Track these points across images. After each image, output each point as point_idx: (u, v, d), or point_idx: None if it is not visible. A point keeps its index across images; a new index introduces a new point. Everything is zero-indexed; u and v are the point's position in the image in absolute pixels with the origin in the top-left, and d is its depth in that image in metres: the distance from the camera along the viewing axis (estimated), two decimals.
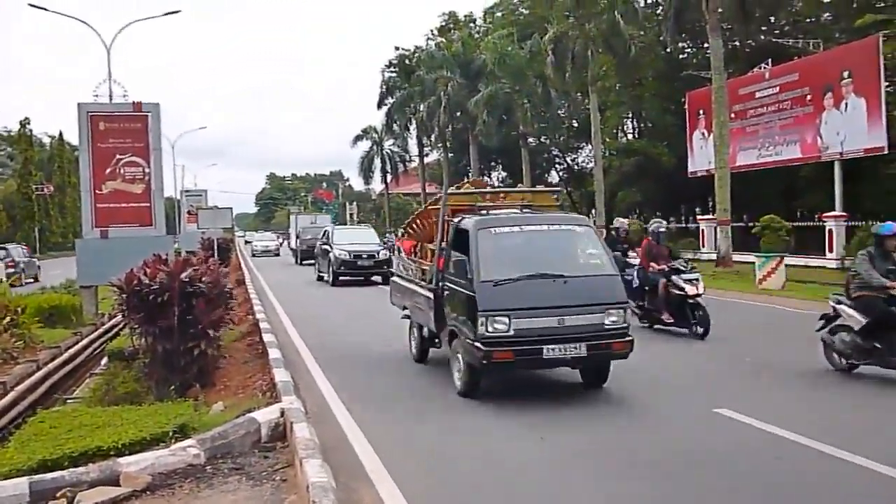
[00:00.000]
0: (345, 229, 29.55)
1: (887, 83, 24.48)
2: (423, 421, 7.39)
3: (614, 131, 45.39)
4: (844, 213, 24.89)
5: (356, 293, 20.95)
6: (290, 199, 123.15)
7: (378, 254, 23.18)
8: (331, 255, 23.26)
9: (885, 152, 23.59)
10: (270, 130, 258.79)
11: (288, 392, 7.27)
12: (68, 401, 10.39)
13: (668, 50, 38.63)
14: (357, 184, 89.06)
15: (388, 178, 63.18)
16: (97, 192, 17.77)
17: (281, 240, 57.58)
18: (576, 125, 46.99)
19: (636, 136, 45.69)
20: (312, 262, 32.80)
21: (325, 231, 26.59)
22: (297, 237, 38.55)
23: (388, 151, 61.94)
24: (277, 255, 48.07)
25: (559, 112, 44.05)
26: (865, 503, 5.21)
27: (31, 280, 30.27)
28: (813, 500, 5.24)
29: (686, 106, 34.24)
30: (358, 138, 61.08)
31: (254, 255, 48.13)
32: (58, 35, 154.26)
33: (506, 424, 7.11)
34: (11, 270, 29.41)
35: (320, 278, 25.20)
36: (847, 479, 5.52)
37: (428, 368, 9.86)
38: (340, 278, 23.00)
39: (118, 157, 17.89)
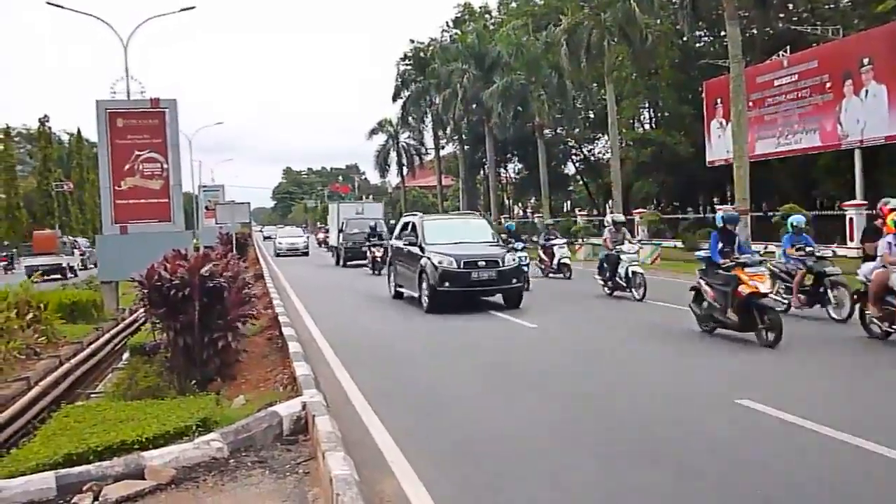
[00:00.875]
0: (442, 220, 18.52)
1: None
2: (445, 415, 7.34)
3: (630, 121, 45.19)
4: (864, 202, 24.60)
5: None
6: (307, 193, 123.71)
7: (502, 260, 14.97)
8: (423, 261, 15.11)
9: None
10: (286, 124, 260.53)
11: (309, 385, 7.30)
12: (91, 395, 10.50)
13: (685, 39, 38.38)
14: (373, 177, 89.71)
15: (404, 171, 63.31)
16: (116, 188, 17.95)
17: (307, 235, 51.62)
18: (591, 116, 46.87)
19: (653, 126, 45.49)
20: (358, 263, 28.66)
21: (411, 224, 16.95)
22: (340, 232, 31.53)
23: (404, 144, 62.16)
24: (306, 254, 41.36)
25: (575, 103, 43.91)
26: None
27: (93, 266, 35.35)
28: None
29: (703, 95, 34.00)
30: (373, 132, 61.41)
31: (277, 255, 41.06)
32: (75, 32, 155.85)
33: (523, 419, 7.10)
34: (83, 257, 39.78)
35: (398, 295, 17.26)
36: None
37: None
38: (443, 299, 14.70)
39: (136, 153, 18.05)
